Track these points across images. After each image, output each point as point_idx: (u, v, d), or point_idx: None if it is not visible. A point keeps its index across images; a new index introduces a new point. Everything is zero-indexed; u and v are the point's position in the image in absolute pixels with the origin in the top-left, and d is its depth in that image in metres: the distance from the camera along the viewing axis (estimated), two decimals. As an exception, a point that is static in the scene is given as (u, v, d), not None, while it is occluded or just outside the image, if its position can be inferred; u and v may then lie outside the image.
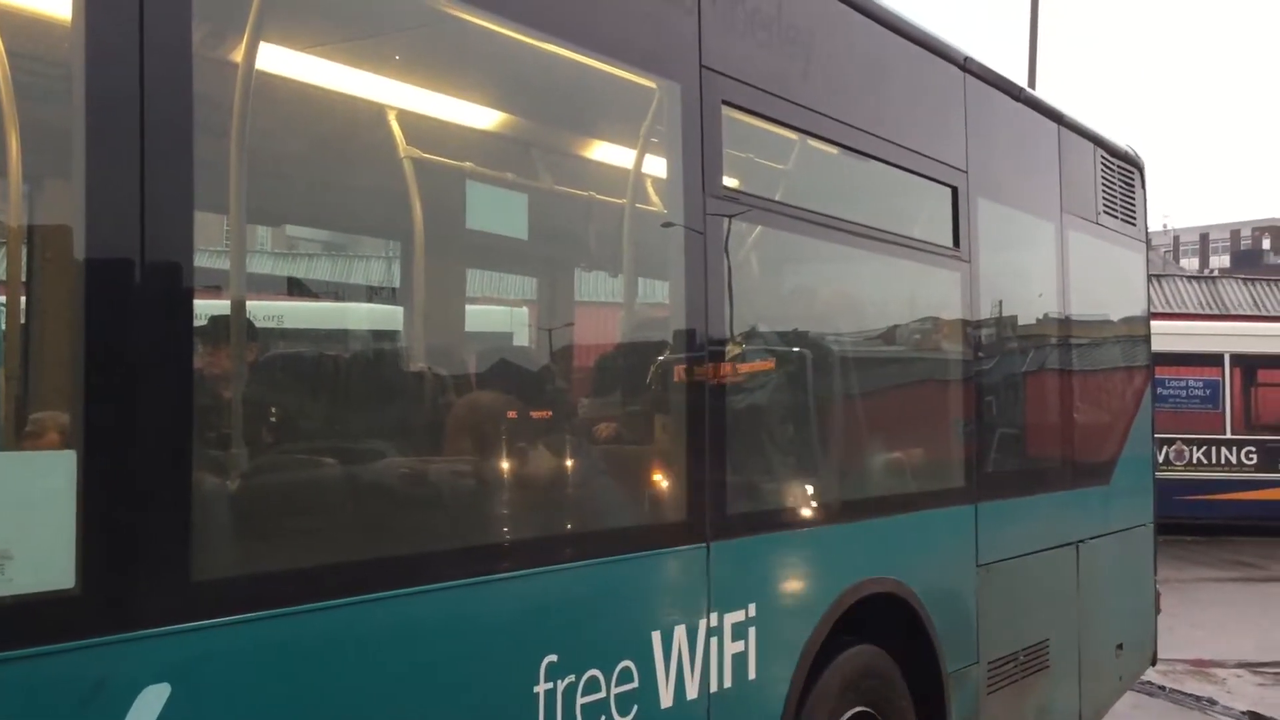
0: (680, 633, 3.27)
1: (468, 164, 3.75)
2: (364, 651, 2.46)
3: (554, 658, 2.87)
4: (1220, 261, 60.55)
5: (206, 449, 2.41)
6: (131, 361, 2.08)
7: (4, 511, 1.90)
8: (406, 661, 2.55)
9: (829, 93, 4.09)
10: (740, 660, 3.49)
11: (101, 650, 1.97)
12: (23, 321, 2.77)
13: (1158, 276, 28.30)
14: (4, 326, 2.79)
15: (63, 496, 1.95)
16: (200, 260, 2.26)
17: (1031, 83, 16.50)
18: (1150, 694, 8.22)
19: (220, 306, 2.85)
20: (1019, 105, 5.47)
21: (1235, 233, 66.16)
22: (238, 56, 2.65)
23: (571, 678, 2.92)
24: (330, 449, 2.89)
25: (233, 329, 2.78)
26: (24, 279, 2.76)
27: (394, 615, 2.52)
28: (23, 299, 2.78)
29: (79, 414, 2.02)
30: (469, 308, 4.84)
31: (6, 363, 2.60)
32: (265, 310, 5.42)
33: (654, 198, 3.71)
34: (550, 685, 2.86)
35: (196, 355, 2.28)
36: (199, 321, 2.34)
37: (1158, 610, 6.92)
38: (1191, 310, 27.15)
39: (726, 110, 3.58)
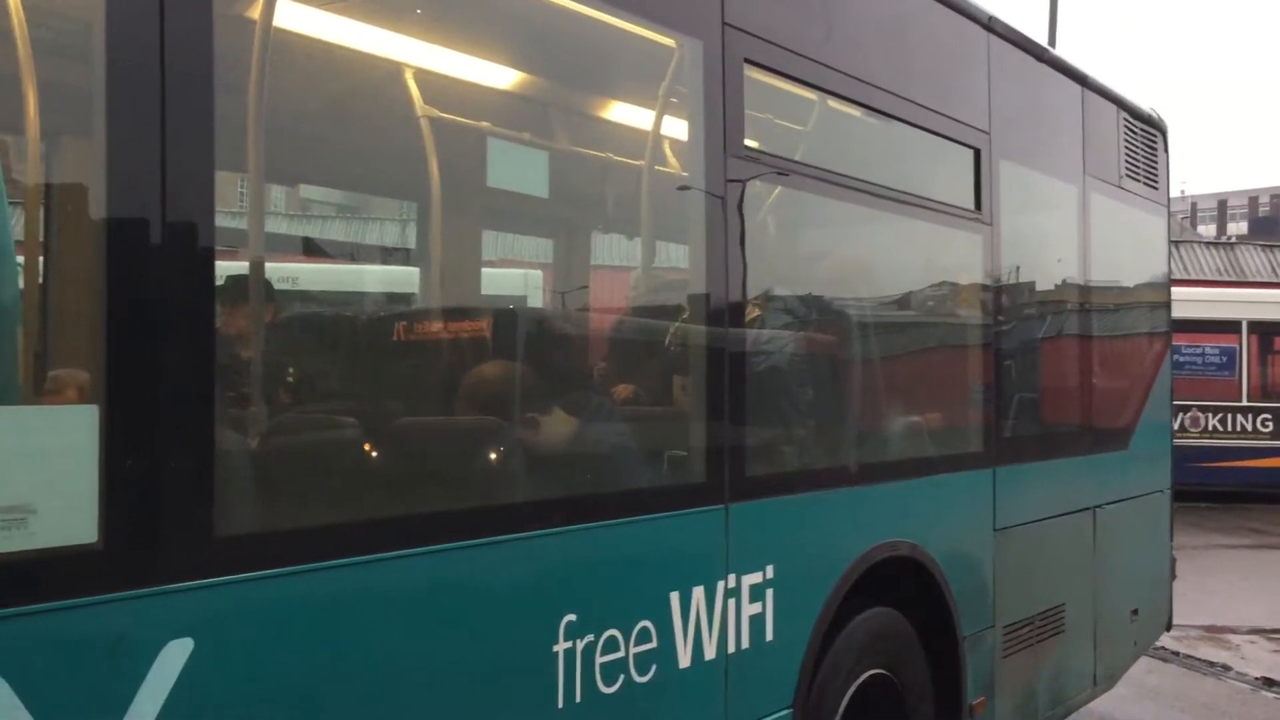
0: (699, 594, 3.27)
1: (485, 123, 3.72)
2: (384, 609, 2.46)
3: (573, 617, 2.87)
4: (1238, 228, 60.08)
5: (227, 406, 2.41)
6: (152, 319, 2.07)
7: (27, 466, 1.90)
8: (427, 619, 2.56)
9: (852, 52, 4.04)
10: (758, 622, 3.49)
11: (125, 605, 1.98)
12: (41, 280, 2.77)
13: (1176, 243, 28.11)
14: (23, 285, 2.78)
15: (85, 451, 1.95)
16: (220, 220, 2.25)
17: (1052, 43, 16.33)
18: (1164, 659, 8.23)
19: (239, 266, 2.85)
20: (1043, 66, 5.40)
21: (1253, 199, 65.64)
22: (257, 14, 2.63)
23: (590, 637, 2.92)
24: (350, 408, 2.89)
25: (253, 288, 2.78)
26: (43, 238, 2.76)
27: (414, 573, 2.52)
28: (41, 258, 2.78)
29: (100, 370, 2.02)
30: (487, 270, 4.83)
31: (27, 320, 2.59)
32: (283, 271, 5.44)
33: (674, 158, 3.68)
34: (570, 644, 2.86)
35: (217, 314, 2.28)
36: (219, 281, 2.33)
37: (1173, 576, 6.90)
38: (1209, 277, 27.00)
39: (749, 69, 3.54)
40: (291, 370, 2.96)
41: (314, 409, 2.90)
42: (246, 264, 2.85)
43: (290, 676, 2.27)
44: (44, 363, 2.48)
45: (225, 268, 2.66)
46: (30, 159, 2.61)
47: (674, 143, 3.67)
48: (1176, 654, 8.43)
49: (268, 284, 3.06)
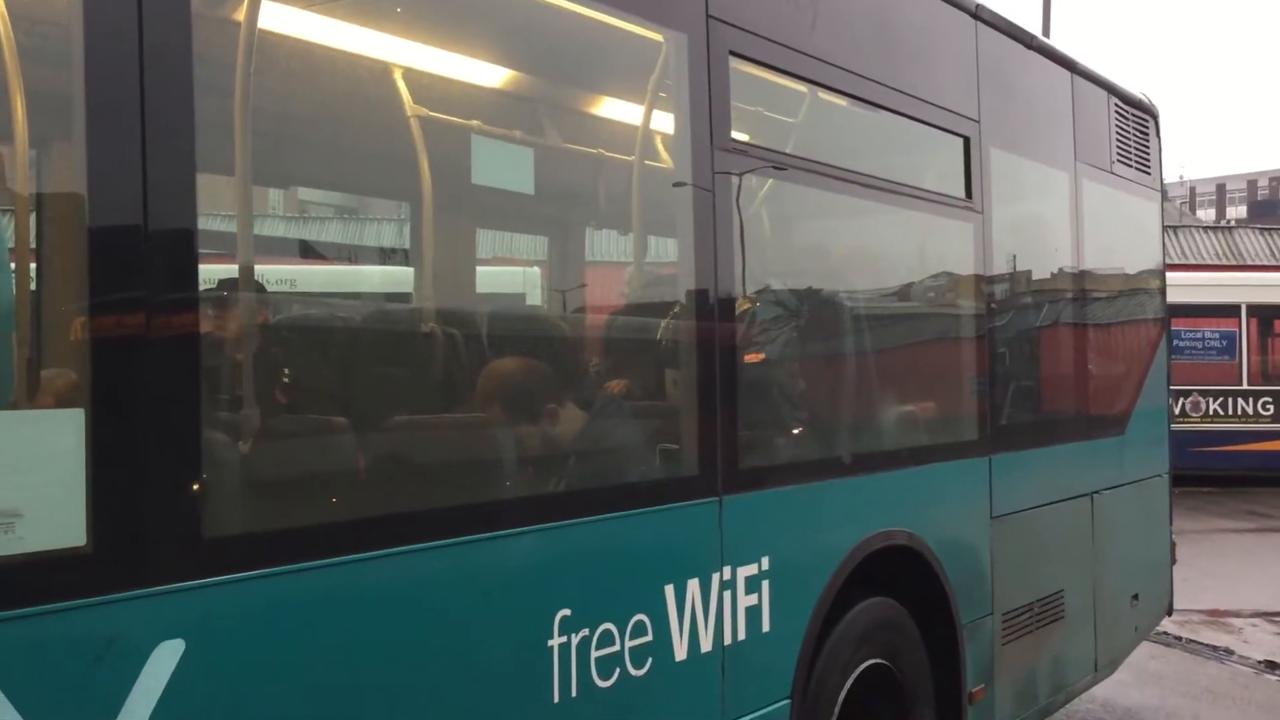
0: (694, 586, 3.28)
1: (475, 121, 3.72)
2: (377, 607, 2.47)
3: (568, 612, 2.88)
4: (1237, 212, 59.99)
5: (215, 409, 2.41)
6: (138, 322, 2.07)
7: (15, 470, 1.90)
8: (421, 617, 2.56)
9: (838, 42, 4.04)
10: (754, 613, 3.50)
11: (115, 607, 1.98)
12: (32, 286, 2.77)
13: (1174, 228, 28.11)
14: (14, 290, 2.79)
15: (73, 455, 1.96)
16: (207, 223, 2.26)
17: (1045, 30, 16.32)
18: (1167, 644, 8.24)
19: (228, 269, 2.85)
20: (1031, 53, 5.40)
21: (1252, 183, 65.54)
22: (239, 15, 2.63)
23: (585, 632, 2.93)
24: (340, 407, 2.90)
25: (240, 290, 2.78)
26: (32, 244, 2.76)
27: (408, 571, 2.52)
28: (31, 264, 2.78)
29: (87, 373, 2.02)
30: (479, 268, 4.83)
31: (18, 326, 2.60)
32: (275, 273, 5.44)
33: (662, 152, 3.68)
34: (564, 639, 2.87)
35: (204, 316, 2.28)
36: (207, 284, 2.33)
37: (1173, 561, 6.91)
38: (1208, 261, 26.98)
39: (734, 61, 3.54)
40: (280, 371, 2.96)
41: (304, 409, 2.90)
42: (236, 267, 2.86)
43: (281, 677, 2.27)
44: (34, 367, 2.49)
45: (214, 270, 2.67)
46: (18, 167, 2.62)
47: (662, 137, 3.67)
48: (1179, 639, 8.43)
49: (258, 286, 3.06)
